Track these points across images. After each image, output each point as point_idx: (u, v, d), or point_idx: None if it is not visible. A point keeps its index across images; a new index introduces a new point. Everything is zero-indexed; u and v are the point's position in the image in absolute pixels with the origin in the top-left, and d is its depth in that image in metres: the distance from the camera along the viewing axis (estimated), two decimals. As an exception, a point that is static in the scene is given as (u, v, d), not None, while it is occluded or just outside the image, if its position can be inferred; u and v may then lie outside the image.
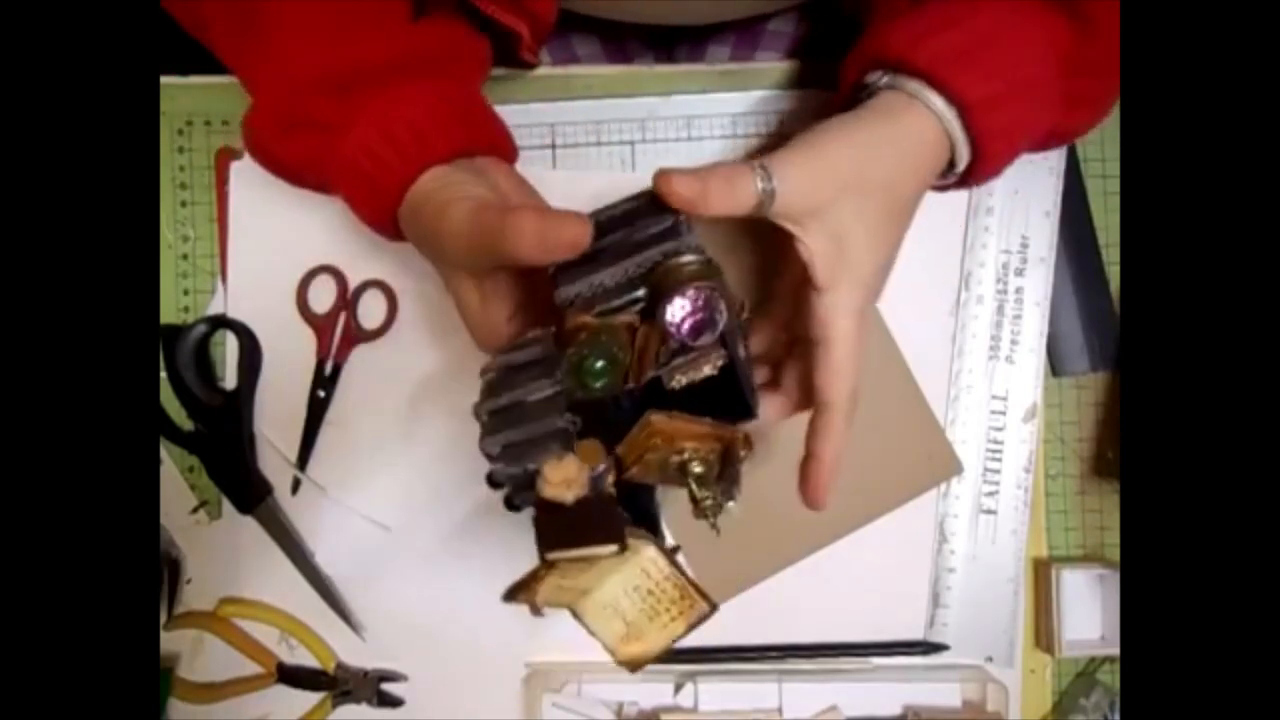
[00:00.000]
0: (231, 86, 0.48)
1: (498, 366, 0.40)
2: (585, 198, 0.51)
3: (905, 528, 0.52)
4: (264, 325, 0.52)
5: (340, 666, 0.52)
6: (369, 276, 0.52)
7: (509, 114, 0.51)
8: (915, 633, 0.52)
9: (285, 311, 0.52)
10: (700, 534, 0.52)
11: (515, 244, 0.35)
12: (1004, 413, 0.52)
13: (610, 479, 0.37)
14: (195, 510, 0.52)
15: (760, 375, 0.45)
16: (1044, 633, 0.52)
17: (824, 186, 0.36)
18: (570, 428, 0.37)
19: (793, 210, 0.36)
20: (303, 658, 0.52)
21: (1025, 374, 0.52)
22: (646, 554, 0.39)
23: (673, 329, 0.35)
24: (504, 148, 0.44)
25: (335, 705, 0.52)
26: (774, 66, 0.52)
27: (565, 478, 0.35)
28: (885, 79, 0.39)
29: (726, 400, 0.39)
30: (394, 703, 0.52)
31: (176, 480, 0.52)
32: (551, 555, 0.35)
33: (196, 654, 0.52)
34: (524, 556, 0.37)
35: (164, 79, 0.50)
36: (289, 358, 0.51)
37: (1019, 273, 0.52)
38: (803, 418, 0.42)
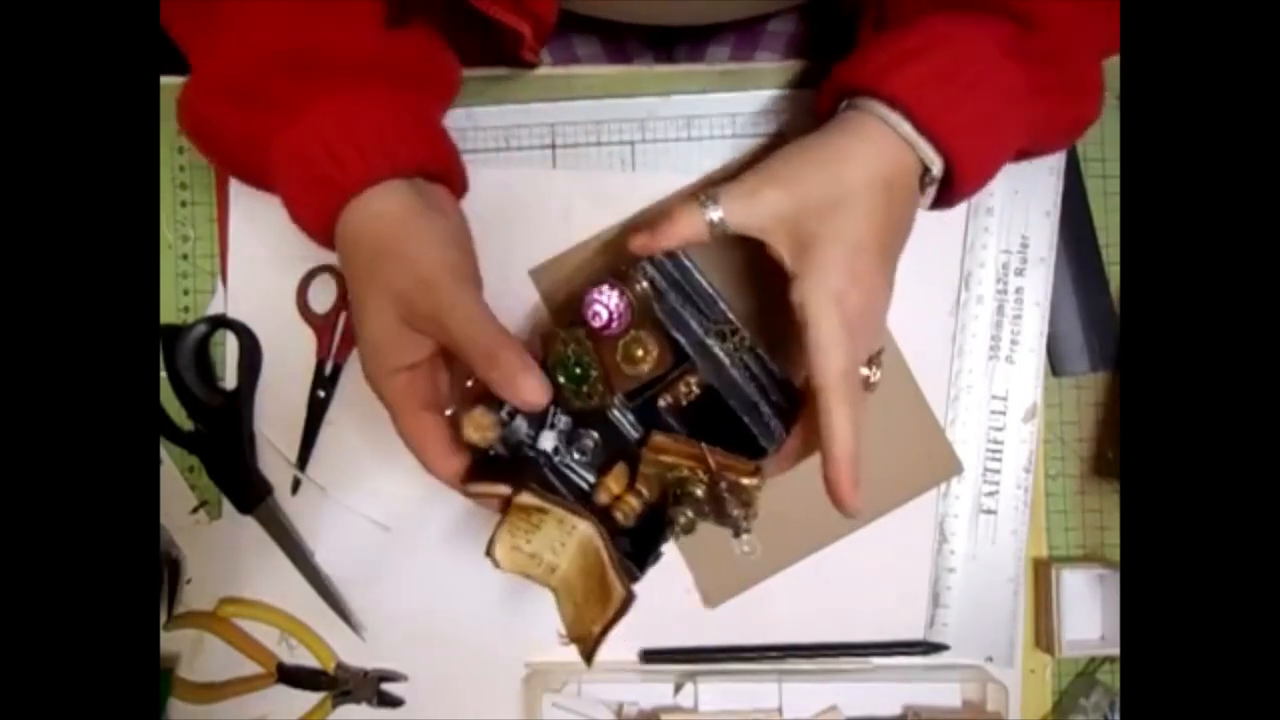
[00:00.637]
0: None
1: None
2: (585, 198, 0.52)
3: (905, 528, 0.52)
4: (264, 325, 0.52)
5: (340, 666, 0.52)
6: (369, 276, 0.52)
7: (509, 114, 0.52)
8: (915, 633, 0.52)
9: (285, 311, 0.52)
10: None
11: (501, 389, 0.38)
12: (1004, 413, 0.52)
13: (525, 431, 0.42)
14: (195, 510, 0.52)
15: None
16: (1044, 633, 0.52)
17: (765, 197, 0.40)
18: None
19: (749, 224, 0.40)
20: (303, 658, 0.52)
21: (1025, 374, 0.52)
22: (581, 530, 0.41)
23: (591, 319, 0.40)
24: (457, 179, 0.44)
25: (335, 705, 0.52)
26: (774, 66, 0.52)
27: (477, 424, 0.40)
28: (844, 104, 0.42)
29: (736, 432, 0.42)
30: (394, 703, 0.52)
31: (176, 480, 0.52)
32: (471, 488, 0.41)
33: (196, 654, 0.52)
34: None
35: (164, 79, 0.50)
36: (289, 358, 0.51)
37: (1019, 273, 0.52)
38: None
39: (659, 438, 0.42)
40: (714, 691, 0.51)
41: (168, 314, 0.52)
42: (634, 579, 0.42)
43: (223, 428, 0.51)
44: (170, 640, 0.52)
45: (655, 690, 0.51)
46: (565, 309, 0.51)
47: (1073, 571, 0.51)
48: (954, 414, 0.52)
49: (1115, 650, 0.52)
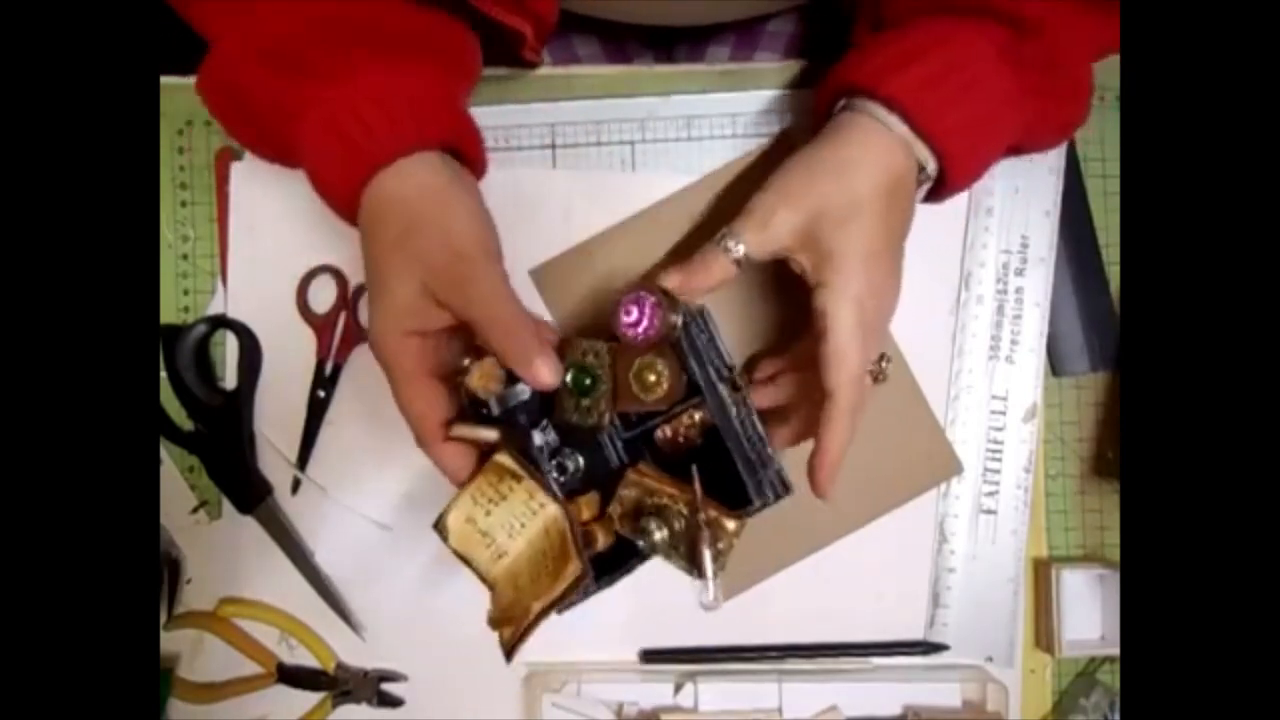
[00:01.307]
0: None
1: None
2: (585, 198, 0.52)
3: (905, 528, 0.52)
4: (264, 325, 0.52)
5: (340, 666, 0.52)
6: (369, 276, 0.52)
7: (509, 114, 0.52)
8: (915, 633, 0.52)
9: (285, 311, 0.52)
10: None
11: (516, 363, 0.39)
12: (1004, 413, 0.52)
13: (525, 393, 0.41)
14: (195, 510, 0.52)
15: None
16: (1044, 633, 0.52)
17: (780, 221, 0.40)
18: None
19: (771, 249, 0.41)
20: (303, 658, 0.52)
21: (1025, 374, 0.52)
22: (549, 510, 0.41)
23: (624, 326, 0.40)
24: (479, 160, 0.44)
25: (335, 705, 0.52)
26: (774, 66, 0.52)
27: (485, 373, 0.40)
28: (841, 104, 0.43)
29: (726, 480, 0.42)
30: (394, 703, 0.52)
31: (176, 480, 0.52)
32: (455, 429, 0.41)
33: (196, 654, 0.52)
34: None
35: (164, 79, 0.50)
36: (289, 358, 0.51)
37: (1019, 273, 0.52)
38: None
39: (644, 465, 0.42)
40: (714, 691, 0.51)
41: (168, 314, 0.52)
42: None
43: (223, 428, 0.51)
44: (170, 640, 0.52)
45: (655, 690, 0.51)
46: (589, 310, 0.51)
47: (1073, 571, 0.51)
48: (954, 414, 0.52)
49: (1115, 650, 0.52)
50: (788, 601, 0.52)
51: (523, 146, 0.52)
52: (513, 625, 0.40)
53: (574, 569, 0.39)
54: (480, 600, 0.52)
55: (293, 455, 0.52)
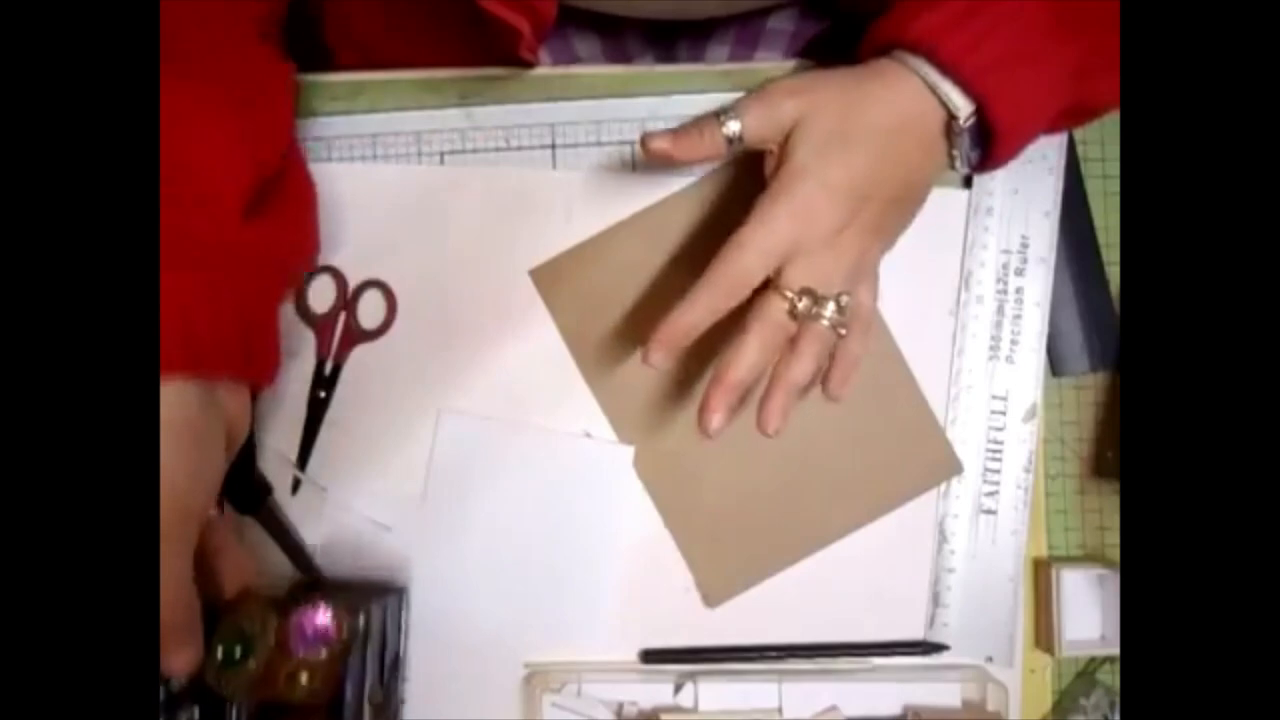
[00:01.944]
0: (231, 86, 0.48)
1: None
2: (585, 198, 0.52)
3: (905, 528, 0.52)
4: (264, 325, 0.52)
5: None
6: (369, 276, 0.52)
7: (509, 114, 0.52)
8: (915, 633, 0.52)
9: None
10: (701, 533, 0.52)
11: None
12: (1004, 413, 0.52)
13: None
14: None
15: None
16: (1044, 633, 0.52)
17: (784, 109, 0.40)
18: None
19: (766, 135, 0.41)
20: (303, 658, 0.52)
21: (1025, 374, 0.52)
22: None
23: (299, 629, 0.41)
24: (267, 378, 0.44)
25: (335, 705, 0.52)
26: (774, 66, 0.52)
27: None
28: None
29: None
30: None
31: (176, 480, 0.52)
32: None
33: (196, 654, 0.52)
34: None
35: (164, 79, 0.50)
36: (289, 358, 0.51)
37: (1019, 273, 0.52)
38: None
39: None
40: (714, 691, 0.51)
41: (168, 314, 0.52)
42: None
43: (223, 428, 0.51)
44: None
45: (655, 690, 0.51)
46: (568, 304, 0.51)
47: (1073, 571, 0.51)
48: (954, 414, 0.52)
49: (1115, 650, 0.51)
50: (788, 601, 0.52)
51: (523, 146, 0.52)
52: None
53: None
54: (480, 600, 0.52)
55: (293, 455, 0.52)
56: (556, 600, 0.51)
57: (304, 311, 0.52)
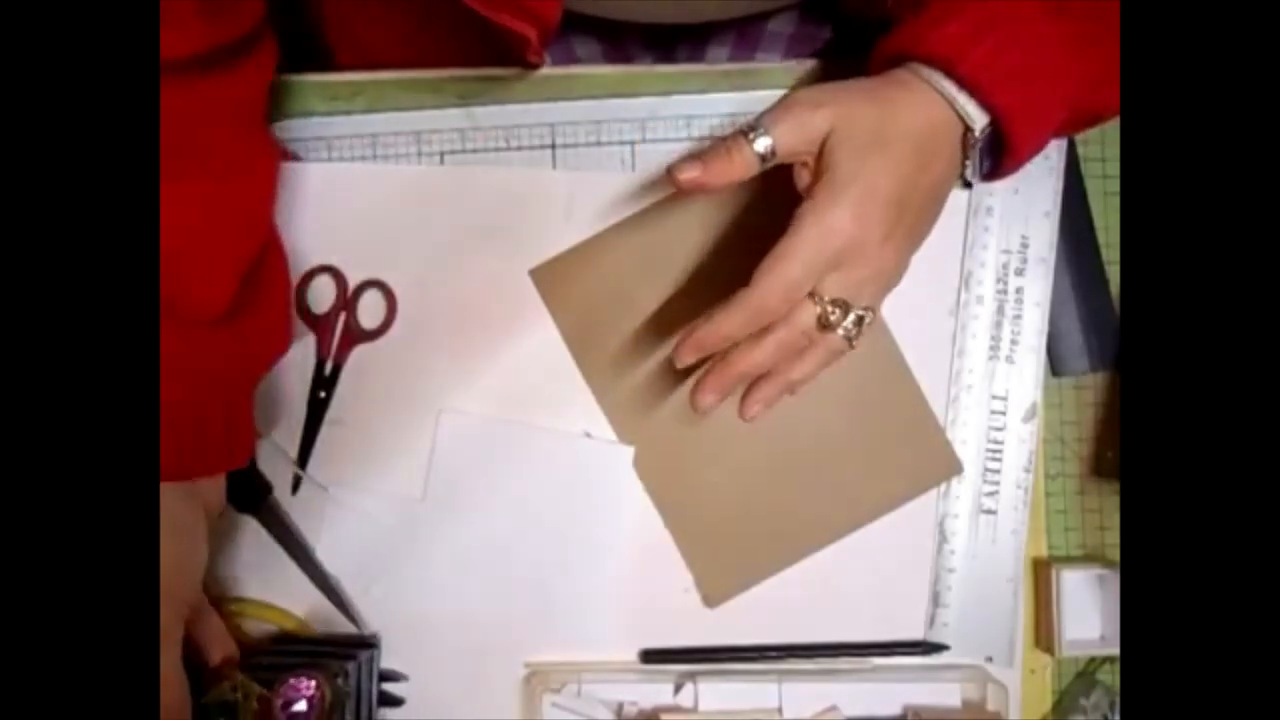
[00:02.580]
0: (232, 86, 0.48)
1: None
2: (585, 198, 0.52)
3: (905, 528, 0.52)
4: (264, 325, 0.52)
5: (340, 666, 0.52)
6: (369, 276, 0.52)
7: (509, 114, 0.52)
8: (915, 633, 0.52)
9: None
10: (701, 533, 0.52)
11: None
12: (1004, 413, 0.52)
13: None
14: (195, 510, 0.52)
15: None
16: (1044, 633, 0.52)
17: (817, 122, 0.39)
18: None
19: (799, 149, 0.39)
20: (303, 657, 0.52)
21: (1025, 374, 0.52)
22: None
23: (288, 698, 0.42)
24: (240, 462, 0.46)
25: (335, 705, 0.52)
26: (774, 66, 0.52)
27: None
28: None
29: None
30: (394, 703, 0.52)
31: (177, 480, 0.52)
32: None
33: (197, 654, 0.52)
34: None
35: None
36: (289, 358, 0.51)
37: (1019, 273, 0.52)
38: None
39: None
40: (714, 691, 0.51)
41: (168, 314, 0.52)
42: None
43: (223, 428, 0.51)
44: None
45: (655, 690, 0.51)
46: (570, 308, 0.51)
47: (1073, 571, 0.51)
48: (954, 414, 0.52)
49: (1115, 650, 0.52)
50: (788, 601, 0.52)
51: (523, 146, 0.52)
52: None
53: None
54: (480, 600, 0.52)
55: (293, 455, 0.52)
56: (556, 600, 0.51)
57: (304, 311, 0.52)
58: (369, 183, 0.52)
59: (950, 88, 0.39)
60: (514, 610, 0.52)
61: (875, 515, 0.52)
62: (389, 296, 0.52)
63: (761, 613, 0.52)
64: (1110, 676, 0.53)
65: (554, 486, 0.51)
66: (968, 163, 0.42)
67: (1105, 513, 0.53)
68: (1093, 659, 0.53)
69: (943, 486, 0.52)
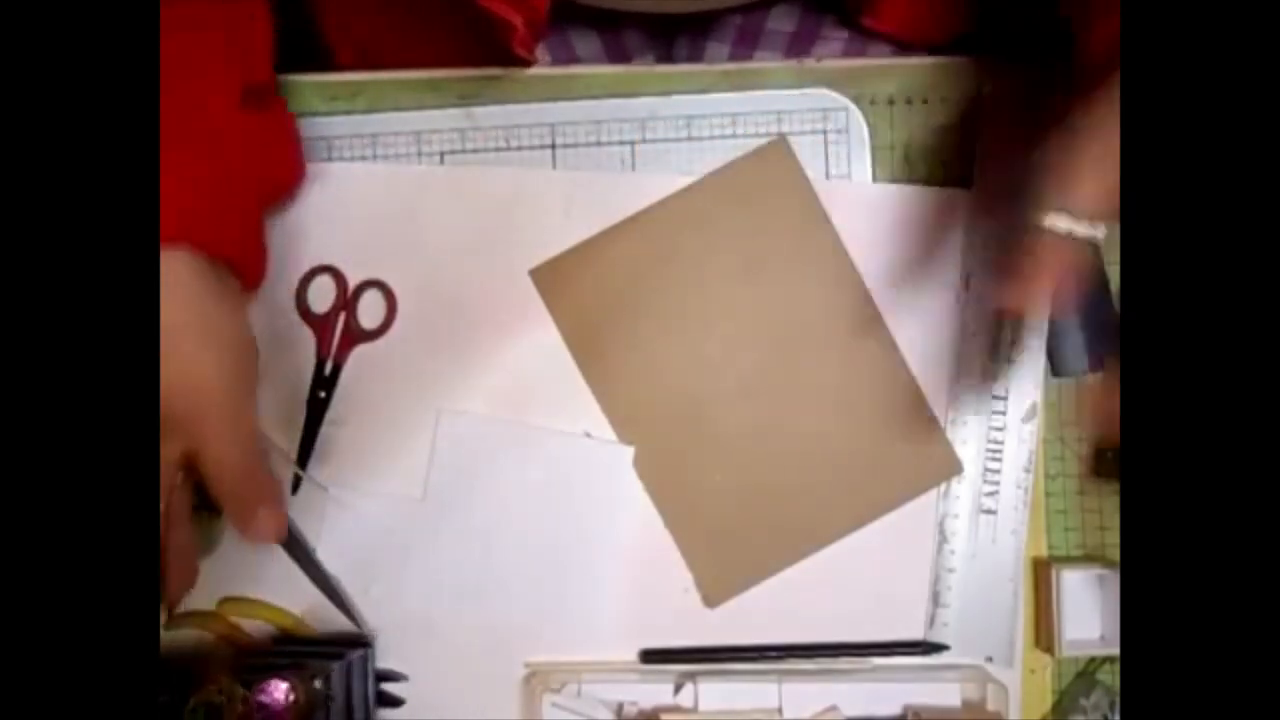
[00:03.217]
0: (231, 86, 0.48)
1: None
2: (585, 198, 0.52)
3: (905, 528, 0.52)
4: (263, 325, 0.52)
5: (340, 666, 0.52)
6: (369, 276, 0.52)
7: (509, 114, 0.52)
8: (915, 633, 0.52)
9: (285, 311, 0.52)
10: (701, 533, 0.52)
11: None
12: (1004, 413, 0.52)
13: None
14: (196, 509, 0.52)
15: None
16: (1044, 633, 0.52)
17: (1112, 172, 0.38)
18: None
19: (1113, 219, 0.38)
20: (303, 657, 0.52)
21: (1025, 374, 0.52)
22: None
23: (259, 700, 0.43)
24: (254, 275, 0.47)
25: (335, 705, 0.52)
26: (774, 66, 0.52)
27: None
28: None
29: None
30: (394, 703, 0.52)
31: (177, 480, 0.52)
32: None
33: (197, 654, 0.52)
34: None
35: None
36: (289, 358, 0.52)
37: (1019, 273, 0.52)
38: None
39: None
40: (714, 691, 0.51)
41: (168, 314, 0.52)
42: None
43: (223, 428, 0.51)
44: (171, 639, 0.52)
45: (655, 690, 0.51)
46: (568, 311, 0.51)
47: (1073, 571, 0.51)
48: (954, 414, 0.52)
49: (1115, 650, 0.51)
50: (788, 601, 0.52)
51: (523, 146, 0.52)
52: None
53: None
54: (480, 600, 0.52)
55: (293, 455, 0.52)
56: (556, 600, 0.51)
57: (304, 311, 0.52)
58: (369, 183, 0.52)
59: None
60: (514, 610, 0.52)
61: (875, 515, 0.52)
62: (389, 296, 0.52)
63: (761, 613, 0.52)
64: (1110, 676, 0.53)
65: (554, 486, 0.51)
66: None
67: (1105, 513, 0.53)
68: (1093, 659, 0.53)
69: (943, 486, 0.52)
